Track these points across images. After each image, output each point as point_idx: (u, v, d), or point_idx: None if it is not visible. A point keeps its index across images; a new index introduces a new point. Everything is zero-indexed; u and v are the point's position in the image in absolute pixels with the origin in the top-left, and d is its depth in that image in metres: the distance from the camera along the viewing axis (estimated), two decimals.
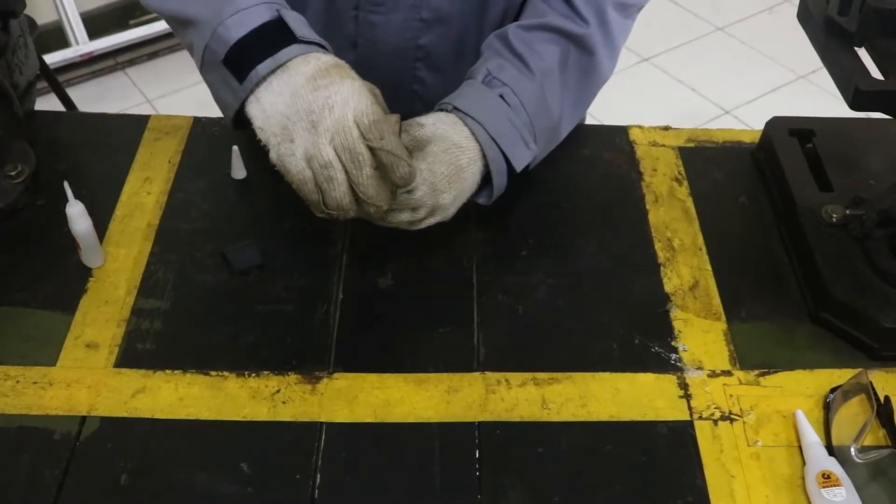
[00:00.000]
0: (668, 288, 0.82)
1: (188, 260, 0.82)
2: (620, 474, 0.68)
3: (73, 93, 2.12)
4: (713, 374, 0.75)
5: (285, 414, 0.71)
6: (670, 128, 0.99)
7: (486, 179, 0.79)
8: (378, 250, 0.83)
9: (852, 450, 0.67)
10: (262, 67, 0.71)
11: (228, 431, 0.69)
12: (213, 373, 0.73)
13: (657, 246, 0.85)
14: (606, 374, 0.74)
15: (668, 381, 0.74)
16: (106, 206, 0.86)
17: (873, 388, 0.70)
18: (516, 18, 0.90)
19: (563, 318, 0.79)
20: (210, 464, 0.67)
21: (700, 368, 0.75)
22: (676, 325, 0.78)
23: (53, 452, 0.67)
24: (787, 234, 0.86)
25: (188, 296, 0.79)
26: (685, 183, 0.92)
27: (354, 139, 0.67)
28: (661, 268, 0.83)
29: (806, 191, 0.86)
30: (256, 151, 0.72)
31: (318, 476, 0.67)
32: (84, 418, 0.70)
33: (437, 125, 0.76)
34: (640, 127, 0.99)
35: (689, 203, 0.90)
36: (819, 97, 2.61)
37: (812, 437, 0.69)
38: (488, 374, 0.74)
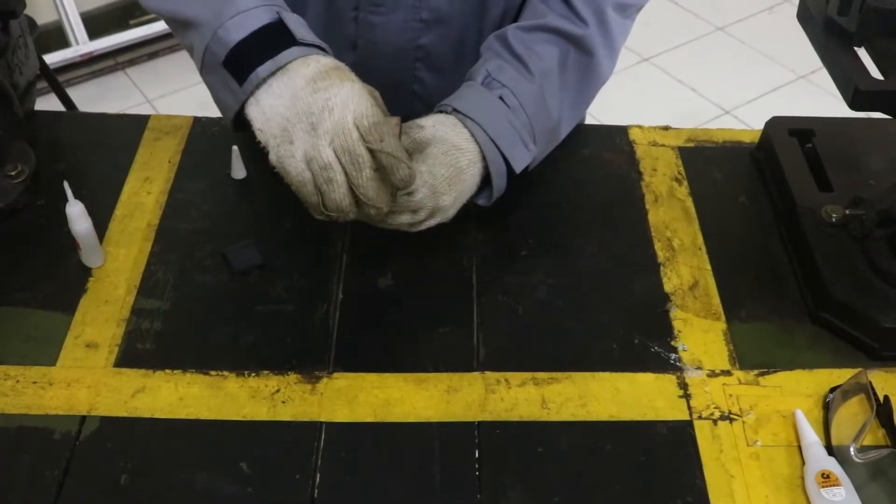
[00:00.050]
0: (667, 288, 0.82)
1: (188, 260, 0.82)
2: (620, 474, 0.68)
3: (73, 93, 2.12)
4: (713, 374, 0.75)
5: (285, 414, 0.71)
6: (670, 128, 0.99)
7: (486, 180, 0.79)
8: (378, 250, 0.83)
9: (852, 449, 0.67)
10: (263, 69, 0.71)
11: (228, 431, 0.69)
12: (212, 372, 0.73)
13: (657, 246, 0.85)
14: (606, 374, 0.74)
15: (667, 381, 0.74)
16: (106, 206, 0.86)
17: (873, 388, 0.71)
18: (516, 19, 0.90)
19: (563, 317, 0.79)
20: (210, 463, 0.67)
21: (700, 368, 0.75)
22: (676, 324, 0.78)
23: (53, 452, 0.67)
24: (786, 234, 0.86)
25: (188, 296, 0.79)
26: (685, 183, 0.92)
27: (354, 141, 0.67)
28: (661, 268, 0.83)
29: (806, 191, 0.86)
30: (256, 152, 0.72)
31: (318, 476, 0.67)
32: (84, 418, 0.70)
33: (437, 127, 0.77)
34: (639, 127, 0.99)
35: (689, 203, 0.90)
36: (819, 97, 2.61)
37: (811, 437, 0.69)
38: (488, 373, 0.74)
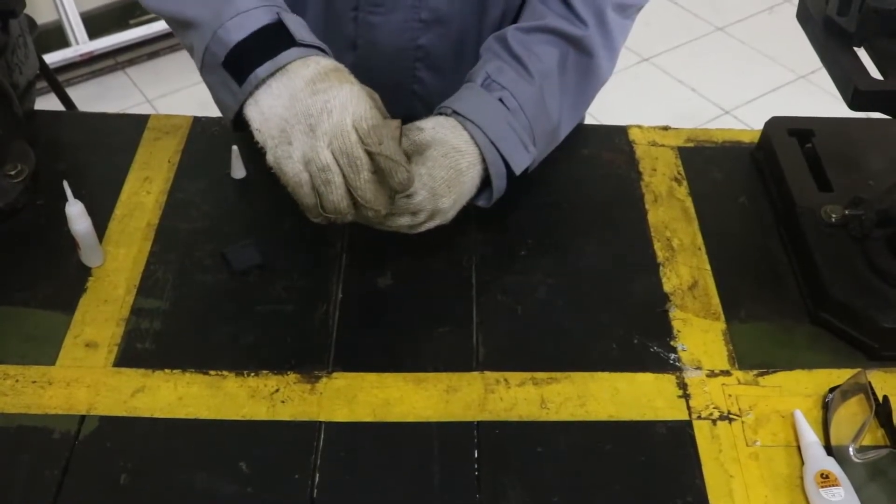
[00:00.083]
0: (667, 288, 0.82)
1: (188, 260, 0.82)
2: (619, 474, 0.68)
3: (73, 92, 2.12)
4: (712, 374, 0.75)
5: (284, 413, 0.71)
6: (670, 128, 0.99)
7: (486, 182, 0.80)
8: (377, 250, 0.83)
9: (851, 449, 0.68)
10: (262, 70, 0.71)
11: (228, 431, 0.69)
12: (212, 372, 0.73)
13: (656, 246, 0.85)
14: (605, 374, 0.74)
15: (666, 381, 0.74)
16: (105, 205, 0.86)
17: (872, 388, 0.71)
18: (516, 19, 0.90)
19: (563, 317, 0.79)
20: (209, 463, 0.67)
21: (699, 368, 0.75)
22: (675, 324, 0.79)
23: (53, 452, 0.67)
24: (786, 234, 0.86)
25: (188, 295, 0.79)
26: (684, 183, 0.92)
27: (353, 143, 0.67)
28: (661, 268, 0.83)
29: (805, 191, 0.86)
30: (256, 151, 0.72)
31: (317, 475, 0.67)
32: (83, 417, 0.70)
33: (437, 129, 0.77)
34: (639, 127, 0.99)
35: (689, 203, 0.90)
36: (819, 97, 2.61)
37: (811, 437, 0.69)
38: (487, 373, 0.74)
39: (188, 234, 0.84)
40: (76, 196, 0.78)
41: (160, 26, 2.60)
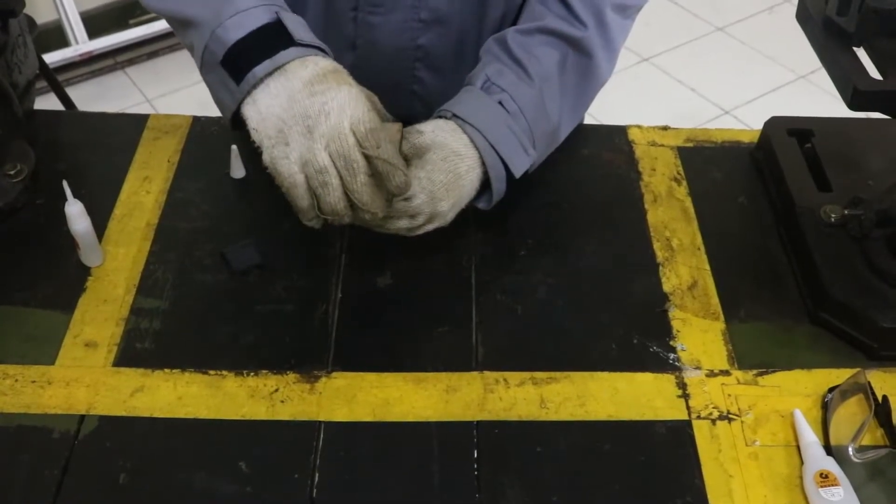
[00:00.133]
0: (666, 288, 0.82)
1: (187, 259, 0.82)
2: (619, 474, 0.68)
3: (73, 92, 2.12)
4: (711, 374, 0.75)
5: (284, 413, 0.71)
6: (669, 127, 0.99)
7: (486, 184, 0.80)
8: (377, 250, 0.83)
9: (850, 449, 0.68)
10: (260, 69, 0.71)
11: (227, 430, 0.69)
12: (211, 372, 0.73)
13: (656, 246, 0.85)
14: (605, 374, 0.74)
15: (666, 381, 0.74)
16: (105, 205, 0.86)
17: (871, 388, 0.71)
18: (516, 20, 0.90)
19: (562, 317, 0.79)
20: (209, 463, 0.67)
21: (698, 368, 0.75)
22: (675, 324, 0.79)
23: (52, 451, 0.67)
24: (785, 234, 0.86)
25: (187, 295, 0.79)
26: (684, 183, 0.92)
27: (350, 146, 0.67)
28: (660, 267, 0.83)
29: (805, 191, 0.86)
30: (255, 151, 0.72)
31: (317, 475, 0.67)
32: (83, 417, 0.70)
33: (437, 132, 0.77)
34: (639, 127, 0.99)
35: (688, 203, 0.90)
36: (819, 97, 2.61)
37: (810, 437, 0.69)
38: (487, 373, 0.74)
39: (188, 234, 0.84)
40: (76, 196, 0.78)
41: (160, 26, 2.60)
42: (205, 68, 0.76)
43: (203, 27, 0.74)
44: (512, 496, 0.66)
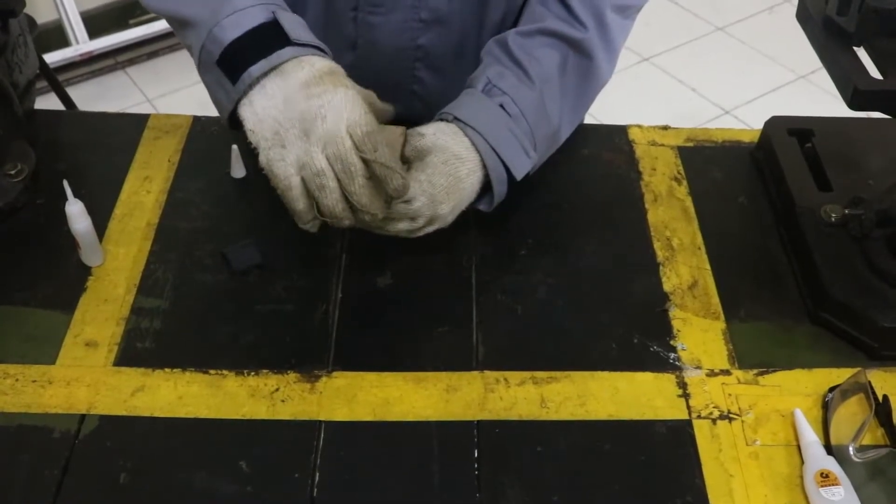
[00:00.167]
0: (666, 287, 0.82)
1: (188, 259, 0.82)
2: (619, 473, 0.68)
3: (73, 92, 2.12)
4: (712, 374, 0.75)
5: (284, 413, 0.71)
6: (669, 127, 0.99)
7: (487, 186, 0.80)
8: (377, 250, 0.83)
9: (851, 449, 0.68)
10: (255, 69, 0.71)
11: (227, 430, 0.69)
12: (212, 371, 0.73)
13: (656, 245, 0.85)
14: (605, 374, 0.74)
15: (666, 381, 0.74)
16: (105, 205, 0.86)
17: (872, 388, 0.71)
18: (517, 20, 0.90)
19: (562, 317, 0.79)
20: (209, 462, 0.67)
21: (699, 368, 0.75)
22: (675, 324, 0.79)
23: (52, 451, 0.67)
24: (785, 234, 0.86)
25: (188, 295, 0.79)
26: (684, 182, 0.92)
27: (347, 150, 0.67)
28: (661, 267, 0.83)
29: (805, 190, 0.86)
30: (254, 151, 0.72)
31: (317, 475, 0.67)
32: (83, 417, 0.70)
33: (438, 135, 0.77)
34: (639, 126, 0.99)
35: (689, 202, 0.90)
36: (819, 97, 2.61)
37: (810, 437, 0.69)
38: (487, 372, 0.74)
39: (188, 234, 0.84)
40: (76, 195, 0.78)
41: (160, 26, 2.60)
42: (202, 68, 0.75)
43: (200, 27, 0.74)
44: (512, 496, 0.66)
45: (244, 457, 0.68)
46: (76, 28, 2.53)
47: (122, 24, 2.63)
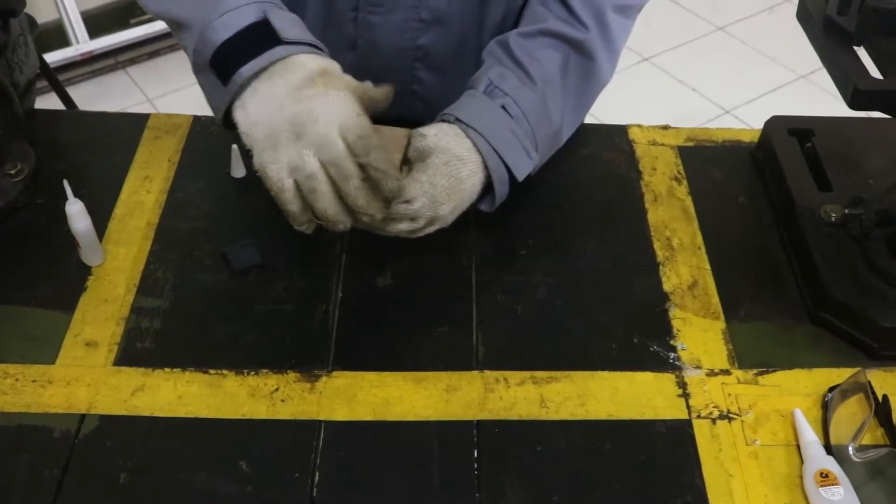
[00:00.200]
0: (666, 287, 0.82)
1: (188, 259, 0.82)
2: (619, 473, 0.68)
3: (74, 92, 2.12)
4: (712, 374, 0.75)
5: (284, 412, 0.71)
6: (669, 127, 0.99)
7: (488, 187, 0.79)
8: (377, 250, 0.83)
9: (850, 449, 0.68)
10: (246, 69, 0.70)
11: (227, 430, 0.69)
12: (212, 371, 0.73)
13: (656, 245, 0.85)
14: (605, 373, 0.74)
15: (666, 380, 0.74)
16: (105, 204, 0.86)
17: (871, 388, 0.71)
18: (517, 21, 0.90)
19: (562, 317, 0.79)
20: (209, 462, 0.67)
21: (699, 367, 0.75)
22: (675, 324, 0.79)
23: (52, 451, 0.67)
24: (785, 234, 0.86)
25: (188, 295, 0.79)
26: (684, 182, 0.92)
27: (340, 153, 0.66)
28: (660, 267, 0.83)
29: (805, 190, 0.86)
30: (250, 153, 0.72)
31: (317, 474, 0.67)
32: (83, 416, 0.70)
33: (439, 136, 0.76)
34: (639, 126, 0.99)
35: (689, 202, 0.90)
36: (819, 97, 2.61)
37: (810, 436, 0.69)
38: (487, 372, 0.74)
39: (188, 234, 0.84)
40: (76, 195, 0.78)
41: (160, 26, 2.60)
42: (196, 69, 0.75)
43: (194, 28, 0.74)
44: (512, 496, 0.66)
45: (244, 457, 0.68)
46: (76, 28, 2.53)
47: (123, 24, 2.63)
